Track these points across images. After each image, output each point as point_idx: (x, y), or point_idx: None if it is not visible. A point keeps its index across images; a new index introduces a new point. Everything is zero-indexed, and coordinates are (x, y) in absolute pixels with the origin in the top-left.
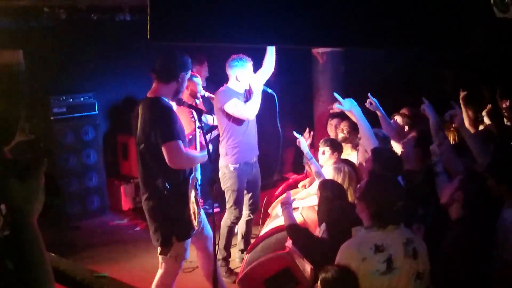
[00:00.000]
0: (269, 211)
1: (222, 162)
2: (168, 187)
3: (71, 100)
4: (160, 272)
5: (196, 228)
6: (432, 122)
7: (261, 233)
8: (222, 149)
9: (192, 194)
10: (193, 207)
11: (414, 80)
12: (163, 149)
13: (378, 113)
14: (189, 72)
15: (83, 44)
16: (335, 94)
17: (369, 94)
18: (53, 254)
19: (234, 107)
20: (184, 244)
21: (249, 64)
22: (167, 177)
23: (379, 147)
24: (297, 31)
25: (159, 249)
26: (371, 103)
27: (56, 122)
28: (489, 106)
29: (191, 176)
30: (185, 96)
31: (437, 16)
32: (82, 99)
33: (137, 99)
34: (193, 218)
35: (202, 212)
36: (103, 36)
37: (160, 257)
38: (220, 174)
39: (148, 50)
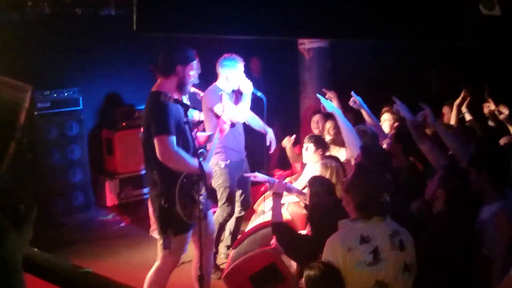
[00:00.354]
0: (254, 207)
1: (212, 160)
2: (161, 180)
3: (55, 95)
4: (156, 264)
5: (192, 225)
6: (408, 121)
7: (247, 229)
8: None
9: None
10: (187, 204)
11: (400, 77)
12: (155, 142)
13: (362, 111)
14: (191, 65)
15: (68, 39)
16: (318, 96)
17: (352, 93)
18: (36, 250)
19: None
20: (180, 239)
21: (240, 65)
22: (161, 170)
23: (368, 143)
24: (284, 22)
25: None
26: (355, 101)
27: (40, 117)
28: (467, 99)
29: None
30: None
31: (424, 10)
32: (66, 94)
33: (122, 94)
34: (182, 215)
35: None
36: (87, 31)
37: (158, 248)
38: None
39: (133, 45)
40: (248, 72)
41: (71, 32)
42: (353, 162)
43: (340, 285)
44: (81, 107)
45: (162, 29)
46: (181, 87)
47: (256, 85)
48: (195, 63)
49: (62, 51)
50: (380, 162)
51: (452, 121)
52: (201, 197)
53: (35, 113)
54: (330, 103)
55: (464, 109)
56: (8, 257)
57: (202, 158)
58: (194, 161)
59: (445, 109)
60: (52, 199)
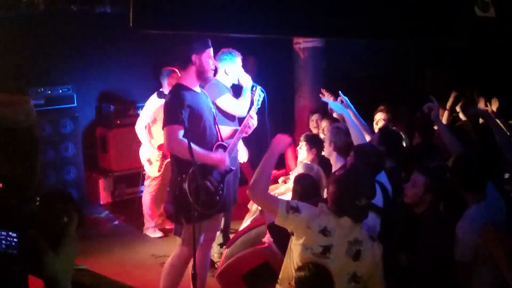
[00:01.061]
0: (248, 206)
1: None
2: (174, 168)
3: (49, 92)
4: (174, 252)
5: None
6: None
7: (241, 228)
8: None
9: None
10: (199, 193)
11: (395, 76)
12: (164, 131)
13: (349, 111)
14: (207, 52)
15: (62, 36)
16: (325, 99)
17: (340, 92)
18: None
19: (227, 102)
20: (193, 228)
21: (238, 59)
22: (174, 159)
23: (362, 143)
24: (279, 21)
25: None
26: (342, 101)
27: None
28: (462, 101)
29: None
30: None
31: (419, 10)
32: (60, 91)
33: (116, 91)
34: (193, 203)
35: None
36: (82, 28)
37: (176, 237)
38: None
39: (128, 43)
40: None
41: (65, 29)
42: (348, 161)
43: (330, 287)
44: (75, 104)
45: (158, 26)
46: (200, 75)
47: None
48: (211, 50)
49: (57, 48)
50: (374, 163)
51: (444, 122)
52: (219, 187)
53: None
54: (339, 105)
55: (458, 109)
56: (51, 277)
57: (222, 149)
58: (201, 151)
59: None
60: None
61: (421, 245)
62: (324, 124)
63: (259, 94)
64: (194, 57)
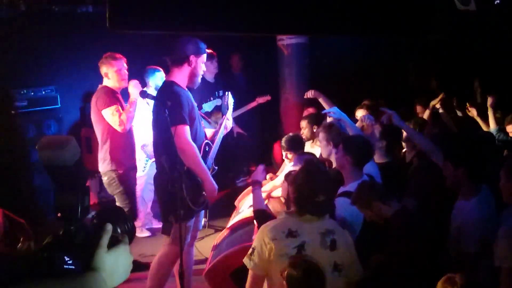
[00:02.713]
0: (235, 203)
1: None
2: (169, 165)
3: (32, 93)
4: (160, 251)
5: (195, 213)
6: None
7: (228, 226)
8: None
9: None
10: (193, 191)
11: (378, 71)
12: (173, 131)
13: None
14: (203, 56)
15: (44, 36)
16: (325, 111)
17: (325, 111)
18: None
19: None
20: (179, 226)
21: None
22: (170, 156)
23: (348, 136)
24: (262, 19)
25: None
26: (333, 112)
27: (18, 116)
28: (441, 95)
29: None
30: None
31: (400, 5)
32: (44, 92)
33: None
34: (188, 201)
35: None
36: (65, 28)
37: (164, 236)
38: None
39: (111, 42)
40: (228, 69)
41: (47, 30)
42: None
43: (321, 285)
44: (59, 105)
45: (135, 26)
46: (192, 77)
47: (236, 82)
48: (205, 56)
49: (39, 49)
50: (364, 154)
51: (426, 117)
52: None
53: (12, 112)
54: (337, 109)
55: (438, 105)
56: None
57: (208, 149)
58: (203, 163)
59: (418, 109)
60: (31, 199)
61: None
62: (303, 126)
63: (232, 99)
64: (192, 58)
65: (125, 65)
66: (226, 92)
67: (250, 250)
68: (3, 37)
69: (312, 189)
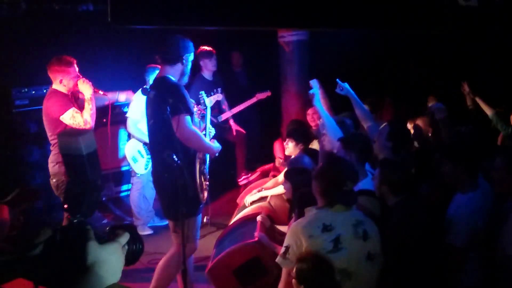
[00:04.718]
0: (237, 200)
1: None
2: (176, 159)
3: (33, 92)
4: (170, 250)
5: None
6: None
7: (230, 223)
8: None
9: (198, 167)
10: (200, 180)
11: (381, 67)
12: (173, 122)
13: (350, 97)
14: (192, 54)
15: (45, 35)
16: (338, 81)
17: (337, 80)
18: None
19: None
20: (193, 221)
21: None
22: (174, 150)
23: (347, 136)
24: (262, 13)
25: (171, 226)
26: (342, 88)
27: (18, 115)
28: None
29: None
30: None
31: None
32: (45, 91)
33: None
34: (199, 191)
35: None
36: (65, 27)
37: (172, 235)
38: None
39: (111, 41)
40: (229, 66)
41: (48, 28)
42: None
43: (331, 278)
44: None
45: (137, 21)
46: (184, 75)
47: (236, 79)
48: (193, 55)
49: (40, 47)
50: (362, 150)
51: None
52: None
53: (14, 110)
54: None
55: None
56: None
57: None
58: (214, 145)
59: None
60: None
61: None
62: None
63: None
64: (185, 56)
65: (76, 68)
66: (200, 94)
67: (283, 249)
68: (4, 36)
69: (340, 177)
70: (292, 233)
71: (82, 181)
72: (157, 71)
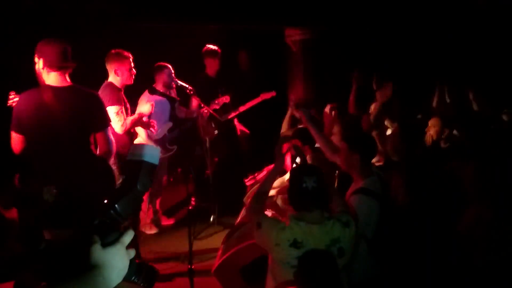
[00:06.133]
0: (244, 200)
1: None
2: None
3: None
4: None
5: None
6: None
7: (237, 222)
8: None
9: None
10: None
11: (385, 67)
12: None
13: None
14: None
15: (46, 34)
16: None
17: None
18: None
19: None
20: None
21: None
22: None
23: (350, 135)
24: (269, 11)
25: None
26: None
27: None
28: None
29: None
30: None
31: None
32: None
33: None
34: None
35: None
36: (70, 25)
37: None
38: None
39: (116, 40)
40: (236, 66)
41: (50, 27)
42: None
43: (336, 274)
44: None
45: (144, 20)
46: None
47: (244, 79)
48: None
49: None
50: (366, 151)
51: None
52: None
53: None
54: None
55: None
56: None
57: None
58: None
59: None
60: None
61: None
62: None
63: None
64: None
65: (132, 63)
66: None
67: (258, 221)
68: (5, 34)
69: (298, 181)
70: (266, 230)
71: (131, 183)
72: (165, 70)
